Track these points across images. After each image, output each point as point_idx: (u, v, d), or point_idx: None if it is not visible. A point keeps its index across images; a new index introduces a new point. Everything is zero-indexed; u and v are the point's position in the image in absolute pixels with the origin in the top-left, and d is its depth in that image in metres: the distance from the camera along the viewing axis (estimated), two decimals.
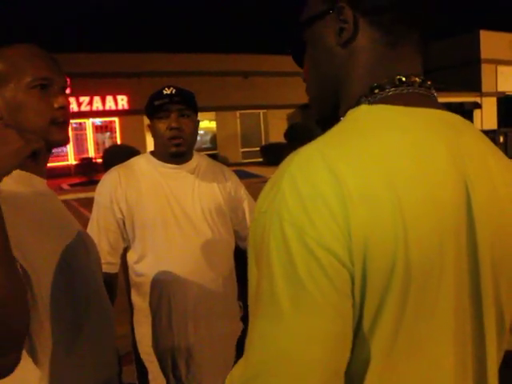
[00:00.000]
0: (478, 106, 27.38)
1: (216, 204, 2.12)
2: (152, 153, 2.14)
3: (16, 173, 1.20)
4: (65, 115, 1.27)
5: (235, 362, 1.15)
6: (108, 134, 23.52)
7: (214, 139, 25.54)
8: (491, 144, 0.85)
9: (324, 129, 0.85)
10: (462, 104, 25.41)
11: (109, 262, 1.98)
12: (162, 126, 2.00)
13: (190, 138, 2.06)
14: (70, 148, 22.18)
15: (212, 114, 24.43)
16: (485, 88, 28.06)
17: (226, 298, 2.10)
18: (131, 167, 2.09)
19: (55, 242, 1.22)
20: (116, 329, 1.44)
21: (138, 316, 2.09)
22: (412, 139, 0.73)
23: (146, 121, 2.12)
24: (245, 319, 2.15)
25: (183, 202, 2.04)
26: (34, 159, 1.18)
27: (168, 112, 1.99)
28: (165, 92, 1.99)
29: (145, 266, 2.01)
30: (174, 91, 1.99)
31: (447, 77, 27.68)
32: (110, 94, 22.58)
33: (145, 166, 2.09)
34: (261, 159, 22.52)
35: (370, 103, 0.79)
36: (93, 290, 1.34)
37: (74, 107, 21.73)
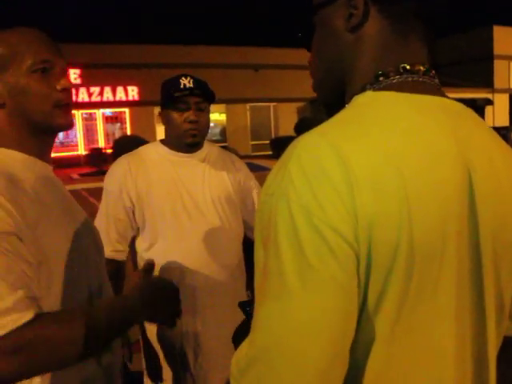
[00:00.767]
0: (489, 102, 27.17)
1: (226, 193, 2.12)
2: (162, 141, 2.14)
3: (23, 157, 1.22)
4: (68, 97, 1.27)
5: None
6: (118, 124, 23.57)
7: (223, 132, 25.54)
8: (493, 132, 0.86)
9: (329, 114, 0.86)
10: (473, 100, 25.23)
11: (117, 250, 1.99)
12: (178, 117, 2.00)
13: (205, 130, 2.08)
14: (79, 138, 22.27)
15: (222, 107, 24.41)
16: (497, 84, 27.83)
17: (235, 286, 2.10)
18: (140, 156, 2.10)
19: (65, 229, 1.23)
20: None
21: None
22: (415, 125, 0.74)
23: (156, 112, 2.11)
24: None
25: (193, 190, 2.05)
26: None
27: (187, 104, 1.99)
28: (182, 82, 1.98)
29: (154, 254, 2.00)
30: (192, 83, 1.99)
31: (459, 72, 27.51)
32: (120, 85, 22.61)
33: (154, 155, 2.09)
34: (270, 152, 22.48)
35: (374, 90, 0.80)
36: (97, 279, 1.35)
37: (84, 97, 21.80)
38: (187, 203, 2.02)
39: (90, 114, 22.75)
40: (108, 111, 23.16)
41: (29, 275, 1.05)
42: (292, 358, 0.63)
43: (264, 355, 0.65)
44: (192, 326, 2.02)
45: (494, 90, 27.73)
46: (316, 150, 0.69)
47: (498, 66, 27.68)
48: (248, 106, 25.69)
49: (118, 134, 22.56)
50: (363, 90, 0.82)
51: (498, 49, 27.26)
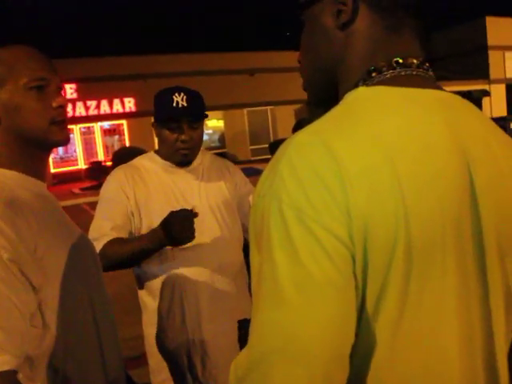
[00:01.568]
0: (486, 93, 27.14)
1: (223, 199, 2.12)
2: (156, 152, 2.13)
3: (17, 176, 1.21)
4: (63, 114, 1.27)
5: None
6: (117, 136, 23.58)
7: (222, 138, 25.55)
8: (492, 123, 0.84)
9: (323, 113, 0.85)
10: (470, 92, 25.23)
11: (111, 235, 1.95)
12: (170, 135, 1.99)
13: (197, 146, 2.07)
14: (79, 152, 22.29)
15: (220, 113, 24.42)
16: (493, 75, 27.82)
17: (238, 292, 2.09)
18: (135, 166, 2.09)
19: (64, 245, 1.22)
20: (127, 331, 1.43)
21: (148, 316, 2.07)
22: (410, 119, 0.73)
23: (151, 122, 2.10)
24: None
25: (190, 198, 2.04)
26: None
27: (178, 124, 1.97)
28: (175, 99, 1.94)
29: (154, 266, 2.00)
30: (185, 102, 1.95)
31: (455, 65, 27.51)
32: (116, 97, 22.64)
33: (150, 165, 2.08)
34: (270, 156, 22.48)
35: (367, 86, 0.79)
36: (97, 293, 1.34)
37: (81, 111, 21.84)
38: None
39: (88, 127, 22.77)
40: (106, 124, 23.17)
41: (21, 312, 1.03)
42: (289, 364, 0.61)
43: (261, 362, 0.63)
44: (198, 335, 2.00)
45: (490, 81, 27.72)
46: (308, 149, 0.68)
47: (493, 57, 27.68)
48: (245, 110, 25.71)
49: (117, 146, 22.58)
50: (356, 86, 0.80)
51: (491, 39, 27.26)
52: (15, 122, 1.20)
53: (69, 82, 20.12)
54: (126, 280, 3.11)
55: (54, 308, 1.13)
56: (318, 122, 0.74)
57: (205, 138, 2.16)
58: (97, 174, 19.04)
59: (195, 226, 1.90)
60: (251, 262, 0.72)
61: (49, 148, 1.29)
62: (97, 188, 16.78)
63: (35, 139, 1.22)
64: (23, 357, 1.03)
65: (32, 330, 1.08)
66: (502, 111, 27.39)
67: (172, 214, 1.79)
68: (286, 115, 25.60)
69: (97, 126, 23.00)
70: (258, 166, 18.12)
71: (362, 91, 0.79)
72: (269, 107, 26.14)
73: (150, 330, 2.07)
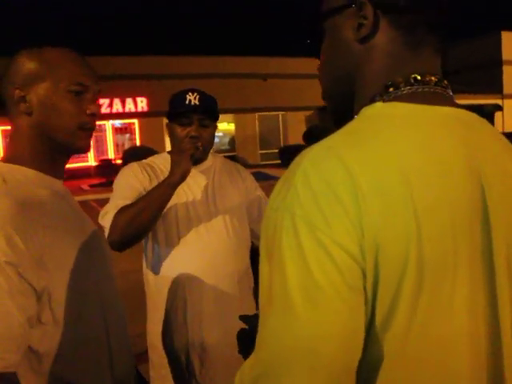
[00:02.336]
0: (499, 108, 27.02)
1: (232, 202, 2.13)
2: (169, 152, 2.15)
3: (36, 175, 1.22)
4: (93, 123, 1.29)
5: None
6: (127, 135, 23.68)
7: (232, 141, 25.58)
8: (507, 141, 0.84)
9: (336, 123, 0.85)
10: (482, 106, 25.12)
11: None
12: (181, 131, 2.02)
13: (208, 145, 2.08)
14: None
15: (231, 116, 24.47)
16: (506, 90, 27.69)
17: (242, 295, 2.10)
18: (150, 164, 2.11)
19: (72, 245, 1.23)
20: (132, 328, 1.44)
21: (152, 311, 2.10)
22: (426, 136, 0.73)
23: (166, 123, 2.13)
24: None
25: (200, 200, 2.06)
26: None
27: (189, 119, 2.01)
28: (188, 98, 2.00)
29: (160, 265, 2.02)
30: (197, 100, 2.00)
31: (468, 78, 27.41)
32: (129, 97, 22.75)
33: (162, 164, 2.10)
34: (279, 161, 22.48)
35: (384, 101, 0.79)
36: (108, 291, 1.34)
37: None
38: (194, 213, 2.03)
39: (100, 125, 22.87)
40: (117, 122, 23.28)
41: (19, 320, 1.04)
42: (297, 377, 0.62)
43: (269, 375, 0.64)
44: (198, 334, 2.02)
45: (503, 96, 27.59)
46: (323, 163, 0.68)
47: (507, 72, 27.55)
48: (257, 115, 25.73)
49: (127, 145, 22.69)
50: (372, 100, 0.80)
51: (506, 54, 27.16)
52: (46, 118, 1.22)
53: None
54: (132, 277, 3.12)
55: (63, 304, 1.14)
56: (334, 137, 0.74)
57: (215, 140, 2.17)
58: (106, 171, 19.14)
59: (203, 227, 1.92)
60: (260, 272, 0.72)
61: (69, 153, 1.31)
62: (106, 185, 16.83)
63: (60, 140, 1.24)
64: (13, 360, 1.02)
65: (41, 327, 1.10)
66: None
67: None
68: (297, 121, 25.60)
69: (108, 124, 23.10)
70: (267, 171, 18.12)
71: (378, 107, 0.79)
72: (280, 112, 26.15)
73: (153, 325, 2.09)
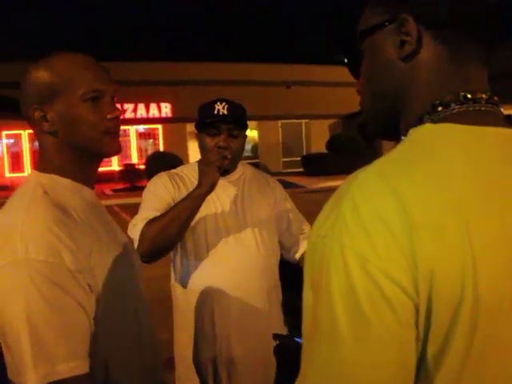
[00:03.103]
0: None
1: (262, 214, 2.10)
2: (198, 163, 2.13)
3: (70, 183, 1.24)
4: (117, 125, 1.28)
5: (277, 374, 1.14)
6: (151, 140, 23.92)
7: (255, 148, 25.65)
8: None
9: (362, 133, 0.81)
10: (510, 116, 24.71)
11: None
12: (210, 141, 2.00)
13: (237, 156, 2.07)
14: None
15: (254, 123, 24.53)
16: None
17: (270, 309, 2.08)
18: (179, 174, 2.11)
19: (113, 253, 1.24)
20: (158, 335, 1.44)
21: (179, 323, 2.09)
22: (482, 162, 0.68)
23: (189, 128, 2.14)
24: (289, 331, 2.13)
25: (229, 211, 2.04)
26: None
27: (218, 130, 1.99)
28: (217, 107, 1.99)
29: (188, 276, 2.02)
30: (226, 110, 1.99)
31: (500, 87, 27.00)
32: (153, 102, 22.97)
33: (192, 174, 2.09)
34: (302, 169, 22.47)
35: (433, 122, 0.75)
36: (138, 300, 1.35)
37: None
38: (223, 224, 2.01)
39: (124, 130, 23.14)
40: (141, 127, 23.52)
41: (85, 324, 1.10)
42: None
43: None
44: (226, 347, 2.00)
45: None
46: (372, 191, 0.65)
47: None
48: (280, 122, 25.78)
49: (150, 150, 22.89)
50: (420, 120, 0.76)
51: None
52: (70, 132, 1.21)
53: None
54: (154, 285, 3.12)
55: (99, 313, 1.15)
56: (383, 161, 0.71)
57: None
58: (130, 176, 19.31)
59: (232, 239, 1.92)
60: (304, 300, 0.69)
61: (101, 158, 1.31)
62: (129, 190, 17.01)
63: (89, 150, 1.24)
64: (86, 365, 1.07)
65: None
66: None
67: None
68: (320, 129, 25.58)
69: (132, 129, 23.36)
70: (290, 179, 18.08)
71: (428, 128, 0.74)
72: (303, 120, 26.16)
73: (180, 335, 2.08)
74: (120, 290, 1.23)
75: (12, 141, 22.39)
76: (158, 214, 1.88)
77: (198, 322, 2.02)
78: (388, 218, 0.62)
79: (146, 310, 1.38)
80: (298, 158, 23.80)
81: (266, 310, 2.05)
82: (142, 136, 23.82)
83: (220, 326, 1.99)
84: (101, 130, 1.23)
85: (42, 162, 1.25)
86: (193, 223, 1.92)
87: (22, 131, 21.24)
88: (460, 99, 0.75)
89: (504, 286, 0.64)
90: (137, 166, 20.59)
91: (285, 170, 24.76)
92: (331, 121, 25.66)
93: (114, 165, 22.45)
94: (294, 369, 0.69)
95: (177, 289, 2.08)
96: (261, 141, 25.51)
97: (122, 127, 22.53)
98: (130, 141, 23.51)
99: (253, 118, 23.23)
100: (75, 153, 1.24)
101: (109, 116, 1.24)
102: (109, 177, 21.31)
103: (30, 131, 1.28)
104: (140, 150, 23.58)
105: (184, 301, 2.05)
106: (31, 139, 19.35)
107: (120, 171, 21.07)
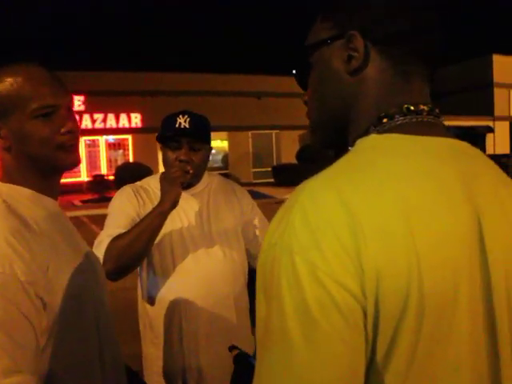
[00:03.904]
0: (490, 129, 27.28)
1: (228, 224, 2.11)
2: (160, 179, 2.13)
3: (31, 194, 1.22)
4: (72, 138, 1.25)
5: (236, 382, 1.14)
6: (121, 151, 23.67)
7: (225, 159, 25.63)
8: (499, 169, 0.84)
9: (337, 150, 0.85)
10: (474, 128, 25.35)
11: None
12: (171, 155, 1.98)
13: (199, 169, 2.04)
14: (82, 165, 22.30)
15: (224, 134, 24.53)
16: (497, 112, 27.98)
17: (238, 316, 2.08)
18: (143, 187, 2.10)
19: (72, 265, 1.22)
20: (125, 349, 1.43)
21: (147, 336, 2.07)
22: (423, 168, 0.72)
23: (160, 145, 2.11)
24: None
25: (194, 222, 2.04)
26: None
27: (178, 143, 1.97)
28: (178, 121, 1.96)
29: (155, 289, 2.01)
30: (187, 124, 1.96)
31: (460, 101, 27.71)
32: (123, 112, 22.78)
33: (157, 187, 2.06)
34: (272, 179, 22.53)
35: (378, 132, 0.79)
36: (101, 311, 1.33)
37: (87, 124, 21.95)
38: (189, 237, 2.01)
39: (93, 140, 22.88)
40: (111, 138, 23.28)
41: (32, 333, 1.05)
42: None
43: None
44: (194, 357, 1.99)
45: (494, 118, 27.86)
46: (321, 199, 0.67)
47: (498, 94, 27.87)
48: (250, 133, 25.82)
49: (120, 161, 22.67)
50: (367, 132, 0.80)
51: (497, 77, 27.49)
52: (24, 148, 1.20)
53: (77, 94, 20.26)
54: (121, 295, 3.09)
55: (54, 324, 1.13)
56: (331, 171, 0.73)
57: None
58: (99, 187, 19.08)
59: (198, 251, 1.92)
60: (257, 309, 0.71)
61: (58, 171, 1.29)
62: (98, 201, 16.78)
63: (44, 164, 1.23)
64: (37, 375, 1.04)
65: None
66: (505, 148, 27.47)
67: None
68: (290, 140, 25.72)
69: (102, 140, 23.09)
70: (260, 190, 18.10)
71: (373, 138, 0.78)
72: (274, 131, 26.25)
73: (149, 349, 2.06)
74: (80, 303, 1.20)
75: None
76: (123, 230, 1.86)
77: (166, 335, 2.00)
78: (335, 225, 0.64)
79: (108, 323, 1.36)
80: (269, 169, 23.88)
81: (234, 319, 2.05)
82: (111, 146, 23.56)
83: (188, 337, 1.98)
84: (53, 146, 1.21)
85: (3, 173, 1.23)
86: (158, 237, 1.91)
87: None
88: (403, 111, 0.79)
89: (449, 284, 0.67)
90: (106, 177, 20.38)
91: (255, 181, 24.79)
92: (301, 131, 25.81)
93: (83, 176, 22.16)
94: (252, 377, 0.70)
95: (144, 303, 2.07)
96: (231, 151, 25.50)
97: (92, 137, 22.41)
98: (99, 151, 23.22)
99: (223, 129, 23.25)
100: (33, 167, 1.22)
101: (63, 130, 1.22)
102: (78, 187, 21.01)
103: None
104: (109, 161, 23.31)
105: (152, 314, 2.03)
106: None
107: (89, 182, 20.81)
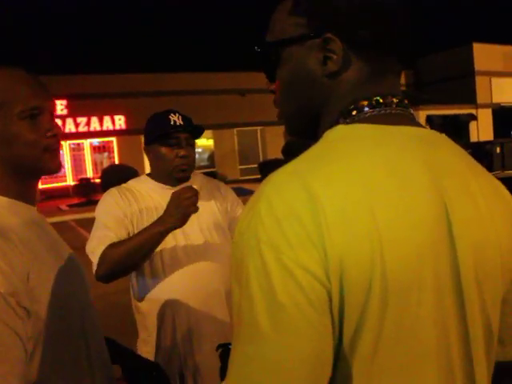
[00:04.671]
0: (473, 117, 27.50)
1: (214, 220, 2.14)
2: (149, 175, 2.17)
3: (8, 202, 1.20)
4: (57, 142, 1.25)
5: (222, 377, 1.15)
6: (106, 154, 23.56)
7: (211, 157, 25.61)
8: (471, 159, 0.85)
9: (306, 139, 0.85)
10: (457, 116, 25.53)
11: (109, 241, 1.92)
12: (169, 152, 2.04)
13: (194, 164, 2.13)
14: (68, 169, 22.20)
15: (209, 133, 24.50)
16: (480, 100, 28.21)
17: (229, 311, 2.09)
18: (129, 189, 2.11)
19: (54, 272, 1.20)
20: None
21: (141, 335, 2.10)
22: (388, 157, 0.73)
23: (143, 146, 2.13)
24: None
25: None
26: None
27: (178, 140, 2.03)
28: (172, 119, 2.02)
29: (146, 288, 2.03)
30: (181, 120, 2.04)
31: (443, 90, 27.90)
32: (107, 115, 22.66)
33: (142, 187, 2.11)
34: (259, 176, 22.53)
35: (347, 123, 0.80)
36: (87, 317, 1.31)
37: (71, 128, 21.82)
38: (176, 234, 2.01)
39: (78, 144, 22.74)
40: (95, 141, 23.15)
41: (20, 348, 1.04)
42: None
43: None
44: (190, 354, 2.02)
45: (477, 106, 28.09)
46: (285, 188, 0.69)
47: (480, 82, 28.08)
48: (235, 130, 25.82)
49: (106, 164, 22.56)
50: (336, 124, 0.81)
51: (478, 65, 27.70)
52: (8, 151, 1.19)
53: (59, 98, 20.13)
54: (113, 299, 3.09)
55: (39, 334, 1.12)
56: (297, 161, 0.75)
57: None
58: (85, 190, 18.98)
59: (186, 247, 1.92)
60: (233, 299, 0.73)
61: (41, 175, 1.28)
62: (84, 205, 16.69)
63: (28, 167, 1.22)
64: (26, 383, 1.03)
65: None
66: (488, 135, 27.70)
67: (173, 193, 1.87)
68: (275, 136, 25.70)
69: (86, 143, 22.96)
70: (247, 186, 18.12)
71: (340, 129, 0.79)
72: (259, 127, 26.27)
73: (142, 348, 2.08)
74: (65, 308, 1.19)
75: None
76: (113, 233, 1.90)
77: (160, 333, 2.03)
78: (299, 212, 0.66)
79: (94, 325, 1.35)
80: (255, 165, 23.88)
81: (226, 313, 2.08)
82: (96, 149, 23.43)
83: (181, 334, 2.01)
84: (40, 148, 1.21)
85: None
86: None
87: None
88: (372, 103, 0.80)
89: (412, 268, 0.69)
90: (92, 180, 20.27)
91: (242, 178, 24.81)
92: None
93: (69, 180, 22.03)
94: None
95: (136, 302, 2.09)
96: (217, 149, 25.48)
97: (76, 141, 22.27)
98: (84, 155, 23.10)
99: (208, 127, 23.20)
100: (14, 171, 1.21)
101: (48, 134, 1.22)
102: (64, 192, 20.90)
103: None
104: (95, 164, 23.20)
105: (144, 312, 2.06)
106: None
107: (75, 186, 20.68)
